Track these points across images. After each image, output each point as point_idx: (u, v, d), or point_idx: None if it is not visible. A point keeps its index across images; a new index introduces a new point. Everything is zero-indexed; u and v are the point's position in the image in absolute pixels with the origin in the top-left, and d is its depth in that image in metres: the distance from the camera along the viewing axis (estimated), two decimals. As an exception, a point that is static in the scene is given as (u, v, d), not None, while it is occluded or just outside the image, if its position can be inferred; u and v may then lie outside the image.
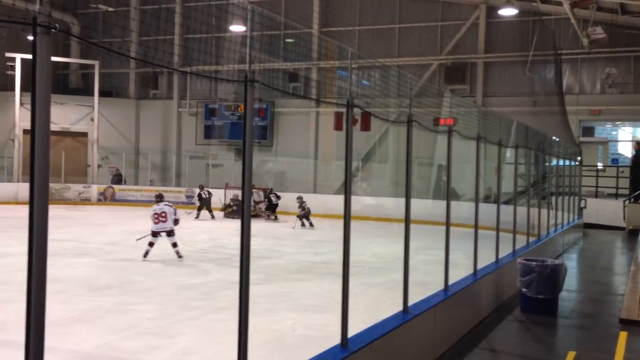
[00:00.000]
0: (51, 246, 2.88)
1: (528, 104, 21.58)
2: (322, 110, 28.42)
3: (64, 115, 29.35)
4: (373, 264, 13.09)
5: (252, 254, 4.19)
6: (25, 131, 28.48)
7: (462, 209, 11.24)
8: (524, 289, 9.51)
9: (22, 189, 26.16)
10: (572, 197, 20.60)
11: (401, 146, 9.86)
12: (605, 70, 23.76)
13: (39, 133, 2.81)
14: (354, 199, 5.44)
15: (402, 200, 6.87)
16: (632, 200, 22.51)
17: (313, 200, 22.09)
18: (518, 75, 24.40)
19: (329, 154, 27.91)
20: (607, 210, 23.68)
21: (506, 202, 12.06)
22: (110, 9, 27.35)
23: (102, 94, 30.73)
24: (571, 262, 15.64)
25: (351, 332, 5.33)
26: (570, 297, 11.03)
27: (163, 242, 13.50)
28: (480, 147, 9.36)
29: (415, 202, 6.96)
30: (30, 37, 2.80)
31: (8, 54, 27.63)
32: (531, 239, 12.98)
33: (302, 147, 28.90)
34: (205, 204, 23.31)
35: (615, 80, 23.79)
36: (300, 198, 21.27)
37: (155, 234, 13.38)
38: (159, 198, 14.36)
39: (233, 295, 4.33)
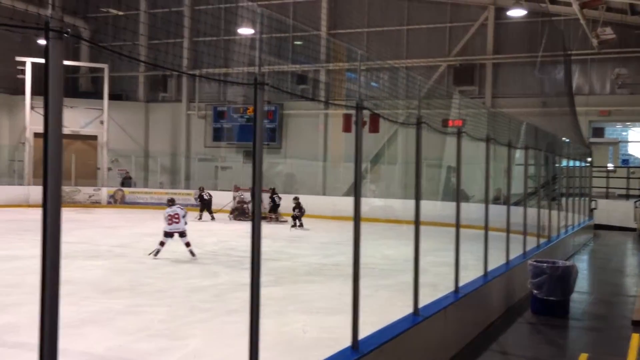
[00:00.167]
0: (62, 249, 2.90)
1: (537, 105, 21.51)
2: (330, 112, 28.40)
3: (74, 118, 29.48)
4: (383, 265, 13.08)
5: (262, 255, 4.18)
6: (36, 134, 28.67)
7: (472, 210, 11.22)
8: (535, 291, 9.47)
9: (33, 192, 26.32)
10: (582, 198, 20.50)
11: (410, 148, 9.86)
12: (615, 70, 23.67)
13: (51, 136, 2.84)
14: (362, 200, 5.44)
15: (412, 202, 6.86)
16: (643, 201, 22.41)
17: (322, 202, 22.09)
18: (527, 76, 24.33)
19: (338, 156, 27.90)
20: (617, 211, 23.57)
21: (516, 204, 12.02)
22: (120, 13, 27.47)
23: (112, 97, 30.91)
24: (582, 264, 15.56)
25: (362, 334, 5.32)
26: (582, 299, 10.97)
27: (172, 244, 13.59)
28: (489, 149, 9.34)
29: (424, 204, 6.95)
30: (43, 42, 2.82)
31: (18, 58, 27.83)
32: (542, 241, 12.92)
33: (311, 149, 28.92)
34: (206, 205, 23.51)
35: (625, 81, 23.69)
36: (297, 199, 21.44)
37: (168, 234, 13.51)
38: (171, 202, 14.46)
39: (243, 298, 4.33)
